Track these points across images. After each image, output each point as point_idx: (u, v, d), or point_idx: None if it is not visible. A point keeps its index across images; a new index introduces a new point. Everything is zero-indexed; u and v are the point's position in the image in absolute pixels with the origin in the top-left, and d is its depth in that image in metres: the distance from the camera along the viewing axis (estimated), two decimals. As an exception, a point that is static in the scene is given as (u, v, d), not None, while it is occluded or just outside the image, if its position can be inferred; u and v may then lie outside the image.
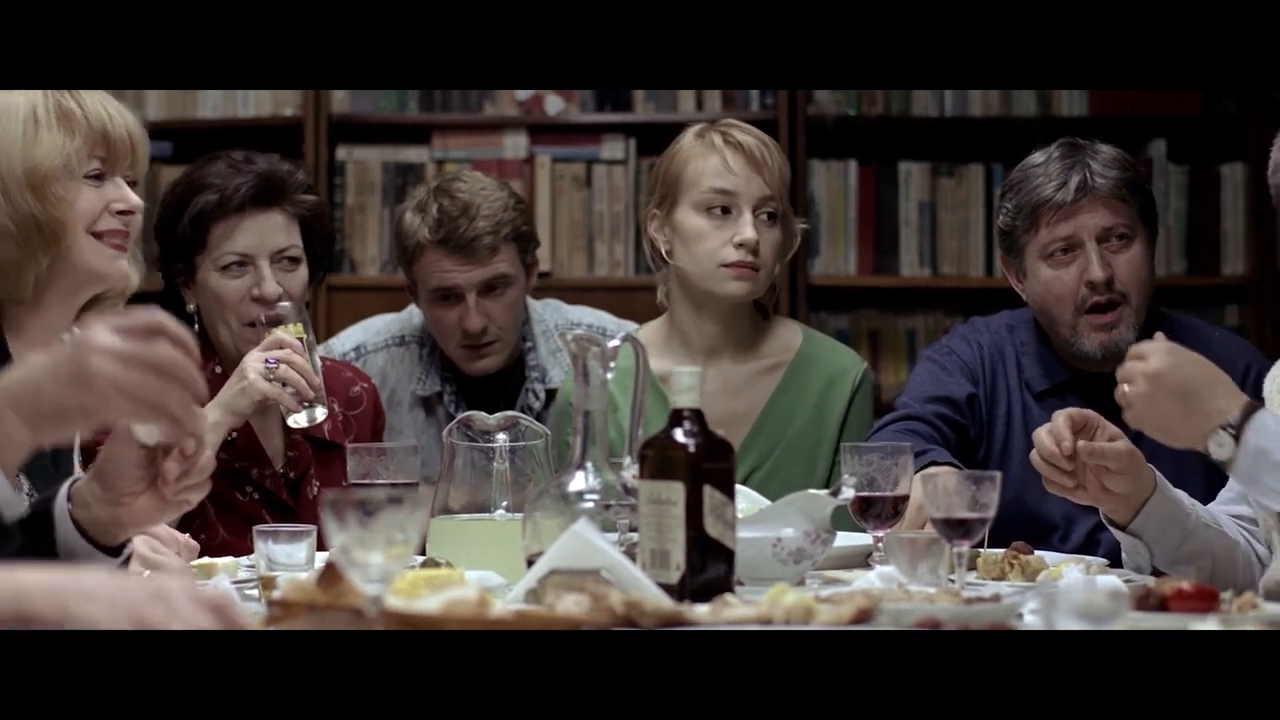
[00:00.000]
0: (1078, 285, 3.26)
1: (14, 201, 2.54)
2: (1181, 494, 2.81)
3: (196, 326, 3.33)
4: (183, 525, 3.12)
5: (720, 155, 3.41)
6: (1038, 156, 3.31)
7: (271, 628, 1.95)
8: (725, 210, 3.40)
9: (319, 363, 3.18)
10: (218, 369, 3.29)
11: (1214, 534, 2.78)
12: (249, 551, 2.94)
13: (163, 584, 1.70)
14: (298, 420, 3.15)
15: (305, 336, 3.17)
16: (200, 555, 2.77)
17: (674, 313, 3.53)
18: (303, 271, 3.34)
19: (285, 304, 3.23)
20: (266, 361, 3.12)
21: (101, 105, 2.62)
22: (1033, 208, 3.28)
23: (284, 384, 3.11)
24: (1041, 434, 2.73)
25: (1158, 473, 2.77)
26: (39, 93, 2.57)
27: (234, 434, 3.26)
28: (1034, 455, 2.73)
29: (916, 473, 2.69)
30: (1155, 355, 2.56)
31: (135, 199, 2.63)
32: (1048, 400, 3.32)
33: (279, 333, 3.17)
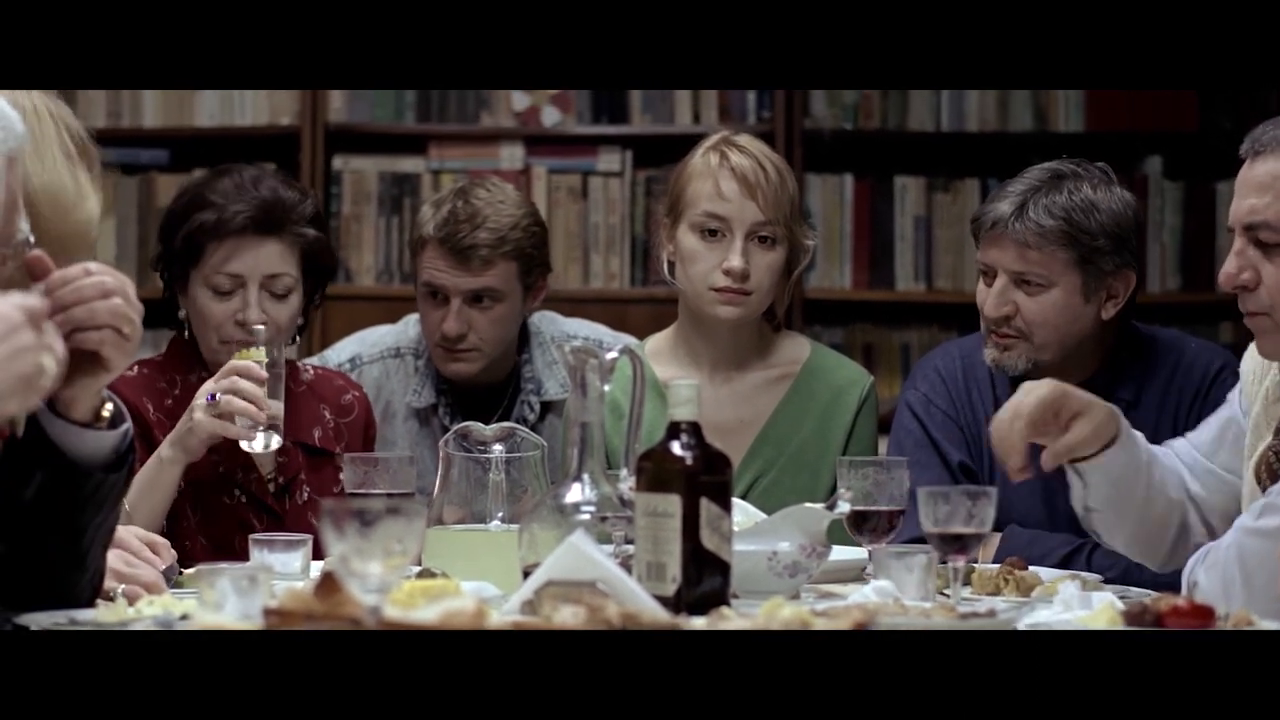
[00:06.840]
0: (982, 308, 3.25)
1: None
2: (1157, 453, 2.82)
3: (187, 334, 3.33)
4: (165, 530, 3.10)
5: (714, 179, 3.40)
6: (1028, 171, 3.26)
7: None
8: (716, 233, 3.39)
9: (282, 388, 3.09)
10: (203, 375, 3.26)
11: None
12: (235, 555, 2.93)
13: None
14: (250, 446, 3.08)
15: (265, 360, 3.07)
16: (181, 561, 2.74)
17: (681, 323, 3.53)
18: (294, 301, 3.29)
19: (259, 326, 3.16)
20: (208, 397, 3.03)
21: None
22: (972, 219, 3.28)
23: (232, 417, 3.05)
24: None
25: (1125, 425, 2.76)
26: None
27: (222, 439, 3.21)
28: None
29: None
30: None
31: None
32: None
33: (234, 359, 3.08)
